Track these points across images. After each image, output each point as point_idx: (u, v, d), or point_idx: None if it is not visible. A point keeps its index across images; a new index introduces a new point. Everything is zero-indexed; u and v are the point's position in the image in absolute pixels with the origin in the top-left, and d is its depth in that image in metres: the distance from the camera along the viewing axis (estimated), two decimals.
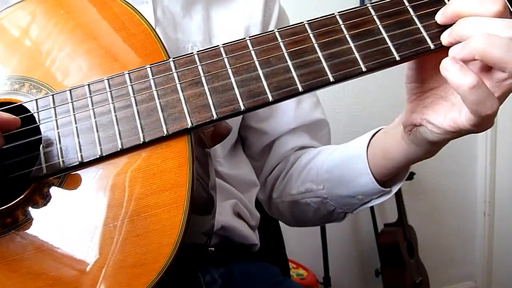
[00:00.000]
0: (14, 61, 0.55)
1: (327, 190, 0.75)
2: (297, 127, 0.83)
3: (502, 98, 0.47)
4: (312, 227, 2.10)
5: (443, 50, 0.49)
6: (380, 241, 2.17)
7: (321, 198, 0.76)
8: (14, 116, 0.47)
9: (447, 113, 0.51)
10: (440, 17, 0.50)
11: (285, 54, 0.50)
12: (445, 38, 0.49)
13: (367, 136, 0.69)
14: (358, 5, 0.52)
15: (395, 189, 0.68)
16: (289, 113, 0.83)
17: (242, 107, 0.48)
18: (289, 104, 0.82)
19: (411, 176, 2.21)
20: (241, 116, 0.80)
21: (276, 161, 0.85)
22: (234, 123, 0.80)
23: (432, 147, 0.57)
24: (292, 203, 0.82)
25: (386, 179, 0.67)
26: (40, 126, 0.50)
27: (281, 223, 1.01)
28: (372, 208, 2.21)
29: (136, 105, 0.49)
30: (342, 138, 2.03)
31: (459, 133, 0.50)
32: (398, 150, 0.61)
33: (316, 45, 0.50)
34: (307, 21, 0.51)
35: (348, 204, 0.73)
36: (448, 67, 0.45)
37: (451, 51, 0.48)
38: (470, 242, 2.60)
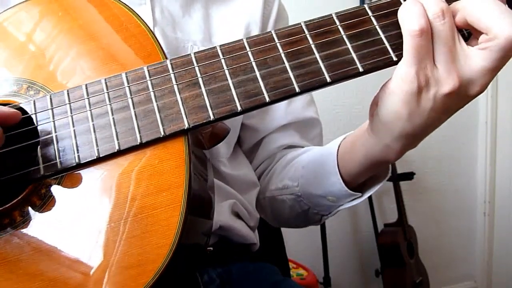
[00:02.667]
0: (13, 63, 0.55)
1: (301, 188, 0.73)
2: (287, 124, 0.82)
3: (492, 65, 0.46)
4: (312, 226, 2.10)
5: None
6: (380, 241, 2.17)
7: (295, 195, 0.74)
8: (14, 110, 0.47)
9: None
10: None
11: (282, 55, 0.50)
12: None
13: (342, 136, 0.67)
14: (358, 5, 0.52)
15: (366, 194, 0.65)
16: (280, 110, 0.82)
17: (239, 108, 0.48)
18: (281, 102, 0.81)
19: (411, 176, 2.22)
20: (241, 116, 0.80)
21: (263, 158, 0.84)
22: (236, 122, 0.79)
23: (384, 133, 0.53)
24: (271, 199, 0.81)
25: (358, 182, 0.64)
26: (38, 127, 0.50)
27: None
28: (372, 208, 2.21)
29: (133, 106, 0.49)
30: None
31: (395, 90, 0.48)
32: (361, 142, 0.58)
33: (313, 46, 0.50)
34: (304, 22, 0.51)
35: (321, 205, 0.71)
36: None
37: None
38: (470, 242, 2.60)
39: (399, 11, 0.49)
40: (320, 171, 0.68)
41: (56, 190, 0.48)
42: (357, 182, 0.64)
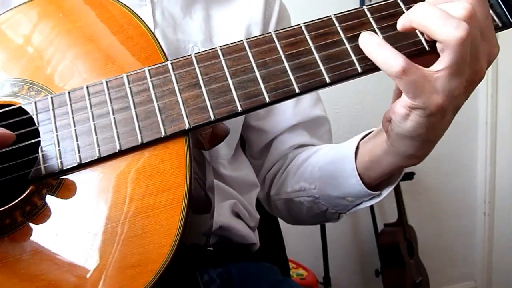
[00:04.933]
0: (13, 63, 0.55)
1: (319, 190, 0.74)
2: (296, 124, 0.82)
3: (452, 77, 0.45)
4: (312, 226, 2.11)
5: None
6: (380, 241, 2.18)
7: (313, 197, 0.75)
8: (9, 132, 0.47)
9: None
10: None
11: (282, 56, 0.50)
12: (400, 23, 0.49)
13: (358, 137, 0.67)
14: (358, 6, 0.53)
15: (385, 192, 0.65)
16: (288, 111, 0.82)
17: (239, 109, 0.49)
18: (288, 102, 0.81)
19: (411, 176, 2.22)
20: (243, 116, 0.80)
21: (275, 159, 0.84)
22: (237, 123, 0.80)
23: (406, 147, 0.53)
24: (288, 201, 0.81)
25: (376, 182, 0.65)
26: (39, 128, 0.50)
27: (281, 223, 1.01)
28: (372, 208, 2.21)
29: (134, 107, 0.49)
30: (342, 138, 2.02)
31: (409, 117, 0.48)
32: (381, 153, 0.58)
33: (312, 47, 0.50)
34: (304, 23, 0.51)
35: (339, 205, 0.72)
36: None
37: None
38: (470, 242, 2.60)
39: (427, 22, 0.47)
40: (337, 174, 0.68)
41: (57, 190, 0.49)
42: (375, 183, 0.65)
